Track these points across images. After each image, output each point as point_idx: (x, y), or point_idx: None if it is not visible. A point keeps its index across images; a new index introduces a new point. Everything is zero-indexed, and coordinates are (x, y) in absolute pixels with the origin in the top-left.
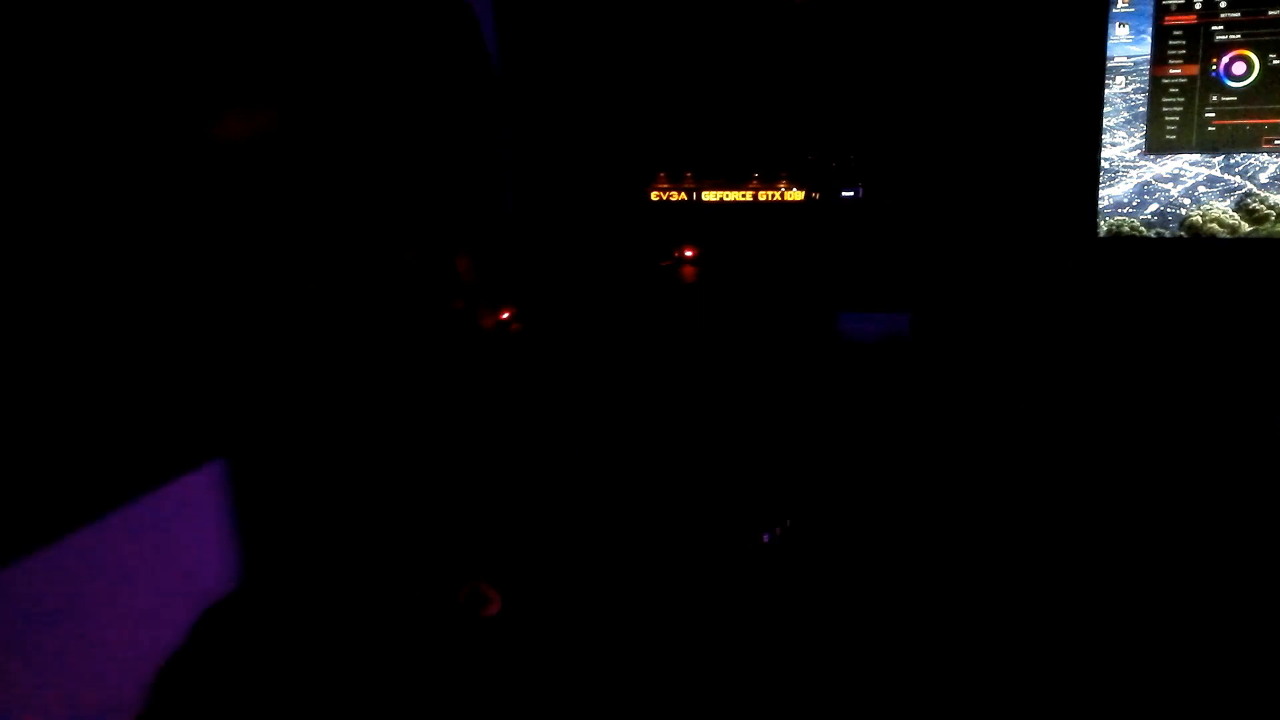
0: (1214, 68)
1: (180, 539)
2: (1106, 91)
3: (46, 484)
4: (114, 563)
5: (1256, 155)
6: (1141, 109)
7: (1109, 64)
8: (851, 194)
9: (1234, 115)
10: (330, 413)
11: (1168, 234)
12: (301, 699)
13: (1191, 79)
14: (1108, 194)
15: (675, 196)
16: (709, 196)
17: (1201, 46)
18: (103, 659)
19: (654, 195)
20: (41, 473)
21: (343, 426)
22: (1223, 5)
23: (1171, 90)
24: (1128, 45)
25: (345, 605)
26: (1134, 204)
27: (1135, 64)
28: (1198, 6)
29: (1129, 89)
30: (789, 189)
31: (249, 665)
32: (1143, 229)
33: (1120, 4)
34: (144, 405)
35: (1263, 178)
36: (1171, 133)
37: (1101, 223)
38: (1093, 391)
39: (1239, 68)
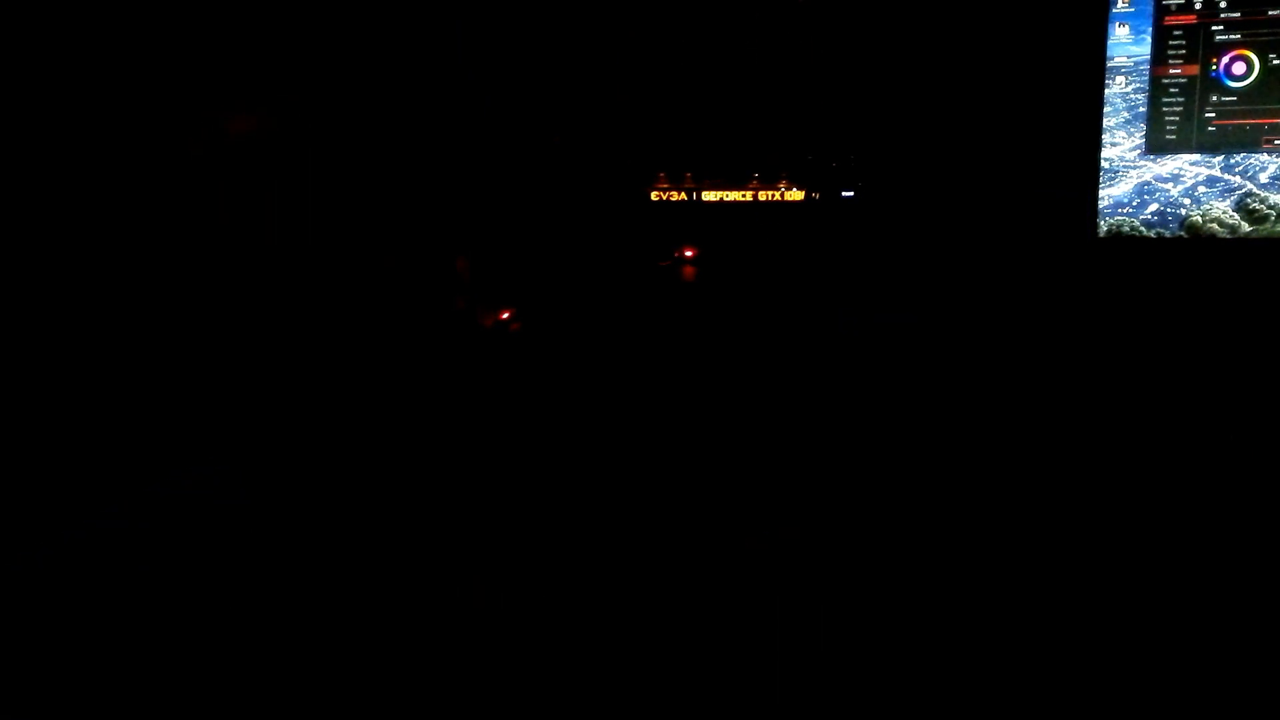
0: (1214, 68)
1: None
2: (1106, 91)
3: None
4: None
5: (1256, 155)
6: (1141, 109)
7: (1109, 64)
8: (851, 194)
9: (1234, 115)
10: (333, 409)
11: (1168, 234)
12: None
13: (1191, 79)
14: (1108, 194)
15: (675, 196)
16: (709, 196)
17: (1201, 46)
18: None
19: (654, 195)
20: None
21: (345, 423)
22: (1223, 5)
23: (1171, 90)
24: (1128, 45)
25: (346, 597)
26: (1134, 204)
27: (1135, 64)
28: (1198, 6)
29: (1129, 89)
30: (789, 189)
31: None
32: (1143, 229)
33: (1120, 4)
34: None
35: (1263, 178)
36: (1171, 133)
37: (1101, 223)
38: (1092, 390)
39: (1239, 68)
